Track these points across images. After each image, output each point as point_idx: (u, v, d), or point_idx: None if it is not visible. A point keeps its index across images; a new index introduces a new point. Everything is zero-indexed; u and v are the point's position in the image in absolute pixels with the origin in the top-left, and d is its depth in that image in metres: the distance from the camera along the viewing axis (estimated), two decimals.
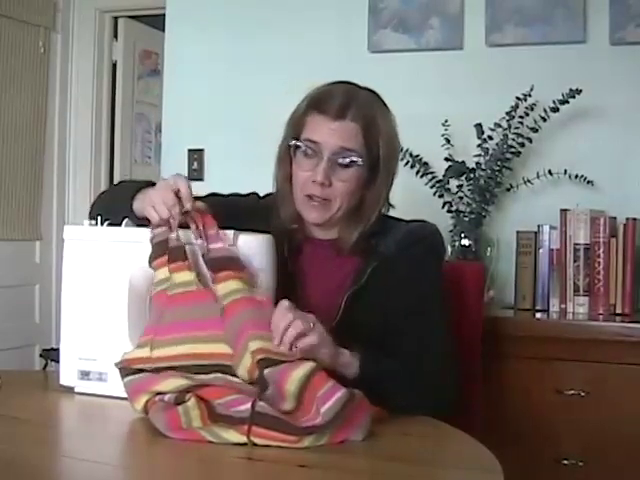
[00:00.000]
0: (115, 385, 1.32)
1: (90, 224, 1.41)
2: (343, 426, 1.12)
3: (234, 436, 1.08)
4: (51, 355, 1.52)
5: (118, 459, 0.98)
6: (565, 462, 2.07)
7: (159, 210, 1.33)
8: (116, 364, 1.24)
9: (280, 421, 1.09)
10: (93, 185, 3.80)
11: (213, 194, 1.61)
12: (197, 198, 1.36)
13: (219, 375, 1.20)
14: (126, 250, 1.36)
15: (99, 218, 1.41)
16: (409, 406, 1.32)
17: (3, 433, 1.13)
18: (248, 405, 1.10)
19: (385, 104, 1.56)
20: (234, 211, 1.47)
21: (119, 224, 1.41)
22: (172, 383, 1.18)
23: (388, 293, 1.47)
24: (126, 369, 1.23)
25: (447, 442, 1.18)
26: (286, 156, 1.55)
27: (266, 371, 1.15)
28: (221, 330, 1.23)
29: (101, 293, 1.35)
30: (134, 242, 1.36)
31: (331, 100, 1.49)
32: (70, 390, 1.35)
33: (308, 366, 1.15)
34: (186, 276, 1.28)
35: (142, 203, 1.39)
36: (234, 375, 1.20)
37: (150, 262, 1.31)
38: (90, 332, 1.35)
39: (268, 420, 1.08)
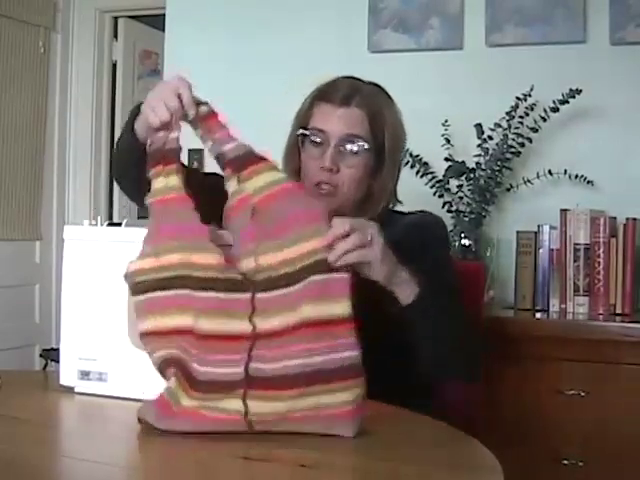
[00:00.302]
0: (115, 385, 1.32)
1: (90, 224, 1.40)
2: (336, 411, 1.10)
3: (231, 403, 1.07)
4: (51, 355, 1.52)
5: (118, 459, 0.98)
6: (565, 462, 2.07)
7: (159, 113, 1.24)
8: (125, 276, 1.20)
9: (275, 379, 1.08)
10: (93, 185, 3.80)
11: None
12: (200, 103, 1.30)
13: (219, 295, 1.13)
14: (126, 250, 1.35)
15: (99, 218, 1.41)
16: (443, 357, 1.36)
17: (3, 433, 1.13)
18: (240, 369, 1.08)
19: (390, 97, 1.60)
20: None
21: (119, 224, 1.41)
22: (171, 319, 1.14)
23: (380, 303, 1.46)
24: (135, 285, 1.18)
25: (447, 442, 1.18)
26: (294, 150, 1.57)
27: (314, 278, 1.10)
28: (205, 237, 1.16)
29: (101, 293, 1.35)
30: (134, 242, 1.36)
31: (336, 90, 1.54)
32: (70, 390, 1.35)
33: (341, 306, 1.10)
34: (174, 180, 1.20)
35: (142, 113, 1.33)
36: (237, 290, 1.13)
37: (148, 172, 1.23)
38: (90, 332, 1.35)
39: (262, 382, 1.08)
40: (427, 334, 1.35)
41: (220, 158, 1.23)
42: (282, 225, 1.15)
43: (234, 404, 1.08)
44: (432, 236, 1.54)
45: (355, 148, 1.50)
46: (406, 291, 1.30)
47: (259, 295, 1.13)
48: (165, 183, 1.20)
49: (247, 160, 1.22)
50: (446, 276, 1.47)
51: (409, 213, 1.61)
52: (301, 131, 1.55)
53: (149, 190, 1.21)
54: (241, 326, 1.12)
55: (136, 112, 1.38)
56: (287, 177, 1.23)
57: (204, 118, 1.27)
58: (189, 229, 1.16)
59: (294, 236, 1.14)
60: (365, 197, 1.56)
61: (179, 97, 1.25)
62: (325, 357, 1.09)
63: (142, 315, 1.16)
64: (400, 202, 1.63)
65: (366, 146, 1.50)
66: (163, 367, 1.13)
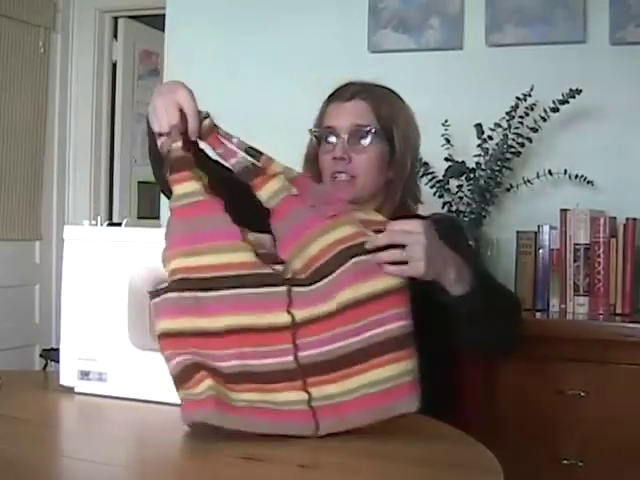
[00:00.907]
0: (115, 385, 1.32)
1: (90, 224, 1.40)
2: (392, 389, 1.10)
3: (291, 395, 1.08)
4: (51, 355, 1.52)
5: (117, 459, 0.98)
6: (565, 462, 2.07)
7: (161, 124, 1.27)
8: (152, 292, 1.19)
9: (329, 362, 1.09)
10: (93, 185, 3.80)
11: None
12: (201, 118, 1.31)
13: (256, 290, 1.14)
14: (126, 250, 1.36)
15: (99, 218, 1.41)
16: (490, 342, 1.42)
17: (3, 433, 1.13)
18: (291, 358, 1.09)
19: (403, 100, 1.66)
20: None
21: (119, 224, 1.41)
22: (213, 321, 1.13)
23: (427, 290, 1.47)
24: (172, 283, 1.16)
25: (447, 442, 1.18)
26: (313, 156, 1.63)
27: (353, 260, 1.12)
28: (241, 239, 1.17)
29: (101, 293, 1.35)
30: (134, 242, 1.36)
31: (345, 89, 1.62)
32: (70, 390, 1.35)
33: (394, 281, 1.12)
34: (191, 187, 1.21)
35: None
36: (272, 284, 1.15)
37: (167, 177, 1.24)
38: (90, 332, 1.35)
39: (318, 368, 1.08)
40: (475, 319, 1.34)
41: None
42: (301, 227, 1.18)
43: (294, 396, 1.09)
44: (448, 231, 1.54)
45: (364, 136, 1.55)
46: (457, 287, 1.28)
47: (295, 289, 1.14)
48: (184, 191, 1.21)
49: (250, 174, 1.25)
50: (481, 262, 1.52)
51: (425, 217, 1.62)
52: (313, 130, 1.62)
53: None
54: (280, 318, 1.13)
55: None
56: (287, 183, 1.24)
57: (206, 134, 1.29)
58: (217, 235, 1.18)
59: (317, 232, 1.17)
60: (385, 194, 1.60)
61: (181, 111, 1.27)
62: (375, 331, 1.10)
63: (168, 315, 1.15)
64: (421, 202, 1.67)
65: (373, 130, 1.55)
66: (190, 371, 1.10)
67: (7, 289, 3.39)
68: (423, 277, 1.20)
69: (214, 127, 1.30)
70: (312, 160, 1.64)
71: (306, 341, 1.12)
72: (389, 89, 1.66)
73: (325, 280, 1.14)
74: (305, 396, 1.09)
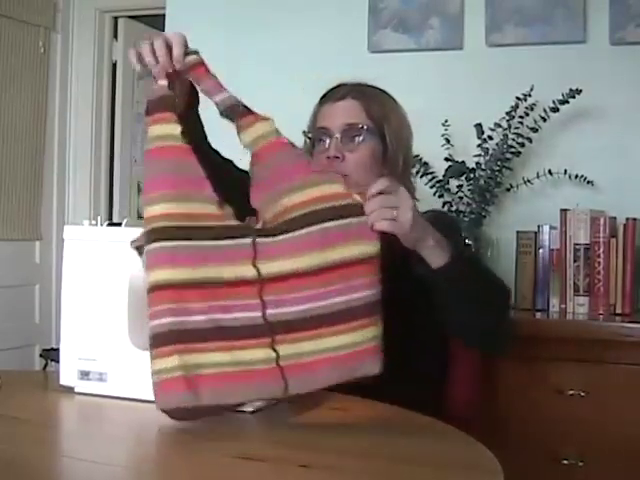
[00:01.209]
0: (115, 385, 1.32)
1: (90, 224, 1.40)
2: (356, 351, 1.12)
3: (258, 353, 1.08)
4: (51, 355, 1.52)
5: (117, 459, 0.98)
6: (565, 462, 2.07)
7: (144, 56, 1.24)
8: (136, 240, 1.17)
9: (298, 321, 1.10)
10: (93, 185, 3.80)
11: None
12: (189, 53, 1.28)
13: (223, 243, 1.13)
14: (126, 250, 1.35)
15: (99, 218, 1.41)
16: (472, 327, 1.38)
17: (3, 433, 1.13)
18: (259, 314, 1.09)
19: (395, 100, 1.66)
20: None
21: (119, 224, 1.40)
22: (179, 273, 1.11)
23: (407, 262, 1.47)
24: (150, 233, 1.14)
25: (447, 442, 1.18)
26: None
27: (326, 225, 1.12)
28: (209, 190, 1.15)
29: (101, 293, 1.35)
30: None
31: (336, 90, 1.63)
32: (70, 390, 1.35)
33: (370, 246, 1.13)
34: (170, 129, 1.18)
35: None
36: (237, 237, 1.13)
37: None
38: (90, 332, 1.35)
39: (286, 326, 1.09)
40: (457, 299, 1.36)
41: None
42: (280, 174, 1.17)
43: (262, 353, 1.08)
44: (447, 228, 1.54)
45: (356, 134, 1.56)
46: (436, 256, 1.29)
47: (260, 240, 1.13)
48: (160, 131, 1.18)
49: (236, 113, 1.23)
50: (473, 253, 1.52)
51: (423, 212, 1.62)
52: (307, 132, 1.63)
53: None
54: (247, 272, 1.12)
55: None
56: (278, 130, 1.22)
57: (192, 67, 1.26)
58: (188, 181, 1.15)
59: (297, 184, 1.15)
60: None
61: (169, 48, 1.24)
62: (347, 297, 1.11)
63: (159, 264, 1.13)
64: (416, 199, 1.64)
65: (365, 127, 1.55)
66: (162, 340, 1.09)
67: (7, 289, 3.39)
68: (405, 236, 1.22)
69: (201, 62, 1.27)
70: None
71: (273, 298, 1.11)
72: (380, 89, 1.66)
73: (291, 234, 1.13)
74: (273, 354, 1.09)
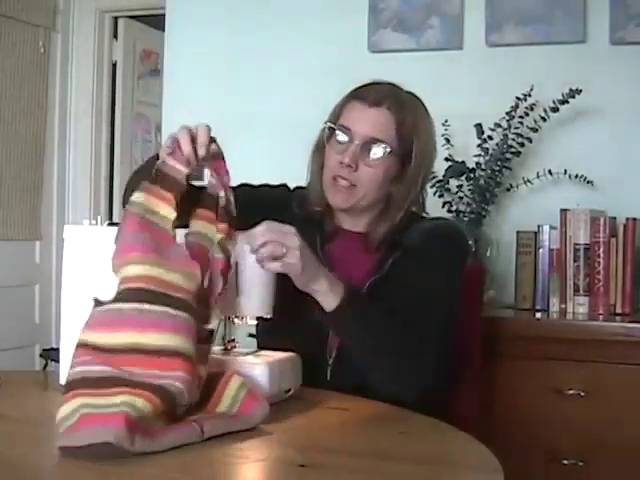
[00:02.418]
0: None
1: (90, 224, 1.40)
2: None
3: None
4: (51, 355, 1.52)
5: (117, 459, 0.98)
6: (565, 462, 2.07)
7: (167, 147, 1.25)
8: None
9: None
10: (93, 185, 3.80)
11: (243, 184, 1.62)
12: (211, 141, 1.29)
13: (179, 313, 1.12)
14: None
15: (99, 218, 1.41)
16: (373, 370, 1.36)
17: (2, 433, 1.13)
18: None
19: (426, 109, 1.60)
20: (263, 202, 1.52)
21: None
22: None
23: (406, 282, 1.47)
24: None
25: (447, 442, 1.18)
26: (322, 147, 1.59)
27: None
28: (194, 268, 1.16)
29: (101, 293, 1.35)
30: None
31: (372, 90, 1.55)
32: None
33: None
34: (166, 211, 1.18)
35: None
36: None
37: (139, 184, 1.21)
38: None
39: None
40: (351, 342, 1.38)
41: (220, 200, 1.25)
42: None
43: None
44: (442, 248, 1.52)
45: (377, 151, 1.51)
46: (328, 300, 1.33)
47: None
48: (154, 207, 1.18)
49: (208, 203, 1.24)
50: (438, 302, 1.46)
51: (432, 218, 1.62)
52: (328, 124, 1.56)
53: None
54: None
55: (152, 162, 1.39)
56: (221, 247, 1.22)
57: (213, 157, 1.27)
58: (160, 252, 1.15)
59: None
60: (385, 203, 1.56)
61: (193, 139, 1.25)
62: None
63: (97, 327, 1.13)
64: (427, 213, 1.64)
65: (388, 149, 1.50)
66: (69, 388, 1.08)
67: (7, 289, 3.39)
68: (296, 277, 1.28)
69: (222, 156, 1.28)
70: (320, 151, 1.59)
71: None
72: (413, 95, 1.59)
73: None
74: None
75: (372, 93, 1.54)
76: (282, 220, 1.31)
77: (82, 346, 1.11)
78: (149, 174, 1.22)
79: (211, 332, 1.19)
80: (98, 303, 1.15)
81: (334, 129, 1.54)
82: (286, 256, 1.25)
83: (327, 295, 1.32)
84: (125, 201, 1.38)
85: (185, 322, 1.12)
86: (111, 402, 1.02)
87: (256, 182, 1.68)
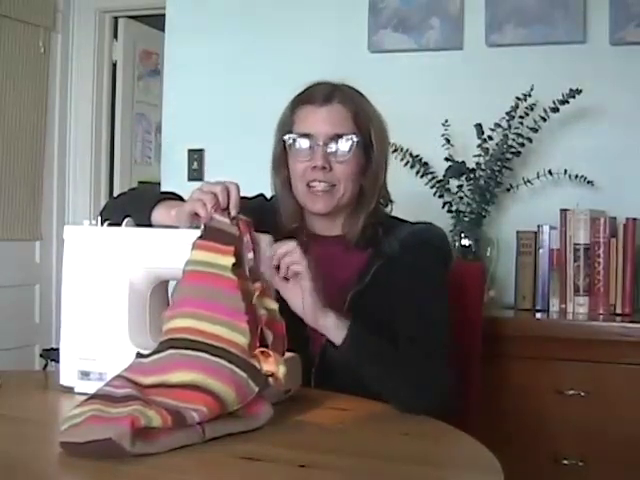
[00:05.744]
0: None
1: (90, 224, 1.40)
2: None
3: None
4: (51, 355, 1.52)
5: (117, 459, 0.98)
6: (565, 462, 2.07)
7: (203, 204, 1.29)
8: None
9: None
10: (93, 185, 3.80)
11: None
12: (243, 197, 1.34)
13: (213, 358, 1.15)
14: (126, 250, 1.36)
15: (99, 218, 1.41)
16: (395, 396, 1.33)
17: (3, 433, 1.13)
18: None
19: (365, 97, 1.59)
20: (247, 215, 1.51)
21: (119, 224, 1.40)
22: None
23: (390, 293, 1.47)
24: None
25: (447, 442, 1.18)
26: (281, 160, 1.58)
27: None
28: (245, 322, 1.18)
29: (101, 293, 1.35)
30: (134, 242, 1.36)
31: (315, 92, 1.54)
32: (70, 390, 1.35)
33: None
34: (227, 261, 1.22)
35: (167, 209, 1.40)
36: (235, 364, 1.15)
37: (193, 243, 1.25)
38: (90, 332, 1.35)
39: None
40: (365, 372, 1.37)
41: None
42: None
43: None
44: (427, 258, 1.50)
45: (344, 146, 1.51)
46: (335, 335, 1.35)
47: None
48: (203, 258, 1.22)
49: (251, 275, 1.25)
50: (433, 313, 1.46)
51: (412, 223, 1.59)
52: (287, 136, 1.54)
53: None
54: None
55: (154, 199, 1.45)
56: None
57: (242, 223, 1.29)
58: (219, 308, 1.19)
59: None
60: (358, 195, 1.56)
61: (228, 194, 1.29)
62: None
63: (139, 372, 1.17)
64: (392, 201, 1.63)
65: (355, 139, 1.51)
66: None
67: (7, 289, 3.39)
68: (304, 316, 1.33)
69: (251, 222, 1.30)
70: (279, 166, 1.58)
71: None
72: (355, 89, 1.58)
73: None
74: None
75: (318, 93, 1.53)
76: (259, 229, 1.32)
77: (118, 377, 1.15)
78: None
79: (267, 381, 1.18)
80: (140, 356, 1.19)
81: (294, 139, 1.53)
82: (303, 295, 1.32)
83: (336, 331, 1.35)
84: (102, 216, 1.41)
85: (221, 367, 1.14)
86: (122, 410, 1.04)
87: (256, 182, 1.67)
